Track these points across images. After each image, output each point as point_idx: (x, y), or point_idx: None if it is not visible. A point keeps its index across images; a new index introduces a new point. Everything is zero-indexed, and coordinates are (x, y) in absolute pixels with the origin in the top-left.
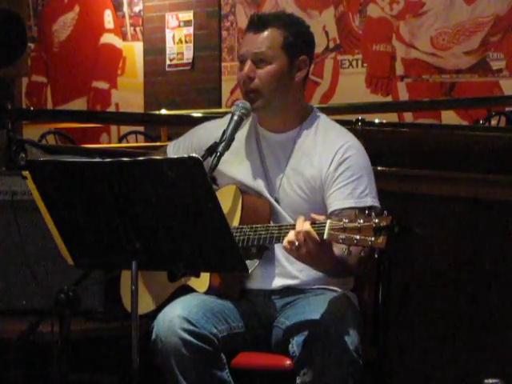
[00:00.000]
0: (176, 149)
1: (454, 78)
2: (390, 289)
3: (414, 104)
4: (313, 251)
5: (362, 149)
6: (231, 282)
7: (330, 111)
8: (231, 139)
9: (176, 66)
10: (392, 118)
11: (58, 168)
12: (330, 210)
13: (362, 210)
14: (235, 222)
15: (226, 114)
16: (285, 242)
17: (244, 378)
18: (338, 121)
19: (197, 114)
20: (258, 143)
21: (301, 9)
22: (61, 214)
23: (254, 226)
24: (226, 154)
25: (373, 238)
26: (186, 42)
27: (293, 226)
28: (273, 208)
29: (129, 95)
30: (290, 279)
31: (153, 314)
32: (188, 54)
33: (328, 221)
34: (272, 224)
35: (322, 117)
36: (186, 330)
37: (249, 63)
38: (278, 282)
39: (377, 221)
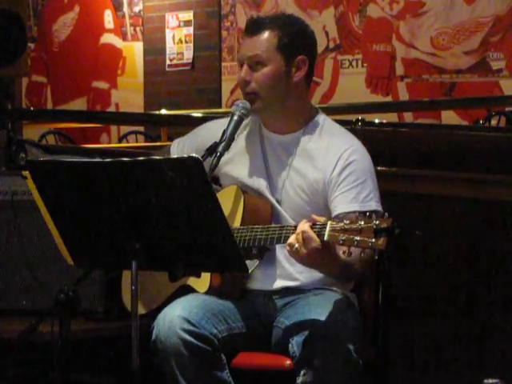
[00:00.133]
0: (180, 148)
1: (454, 78)
2: (390, 289)
3: (414, 104)
4: (313, 252)
5: (367, 153)
6: (232, 283)
7: (329, 111)
8: (231, 139)
9: (176, 66)
10: (392, 117)
11: (57, 168)
12: (334, 213)
13: (364, 213)
14: (237, 223)
15: (225, 113)
16: (286, 244)
17: (244, 378)
18: (337, 121)
19: (197, 114)
20: (262, 144)
21: (301, 9)
22: (61, 213)
23: (255, 226)
24: (230, 154)
25: (373, 240)
26: (186, 41)
27: (294, 228)
28: (274, 209)
29: (129, 95)
30: (290, 281)
31: (153, 314)
32: (188, 54)
33: (329, 222)
34: (273, 225)
35: (327, 119)
36: (186, 331)
37: (245, 67)
38: (279, 283)
39: (377, 222)
